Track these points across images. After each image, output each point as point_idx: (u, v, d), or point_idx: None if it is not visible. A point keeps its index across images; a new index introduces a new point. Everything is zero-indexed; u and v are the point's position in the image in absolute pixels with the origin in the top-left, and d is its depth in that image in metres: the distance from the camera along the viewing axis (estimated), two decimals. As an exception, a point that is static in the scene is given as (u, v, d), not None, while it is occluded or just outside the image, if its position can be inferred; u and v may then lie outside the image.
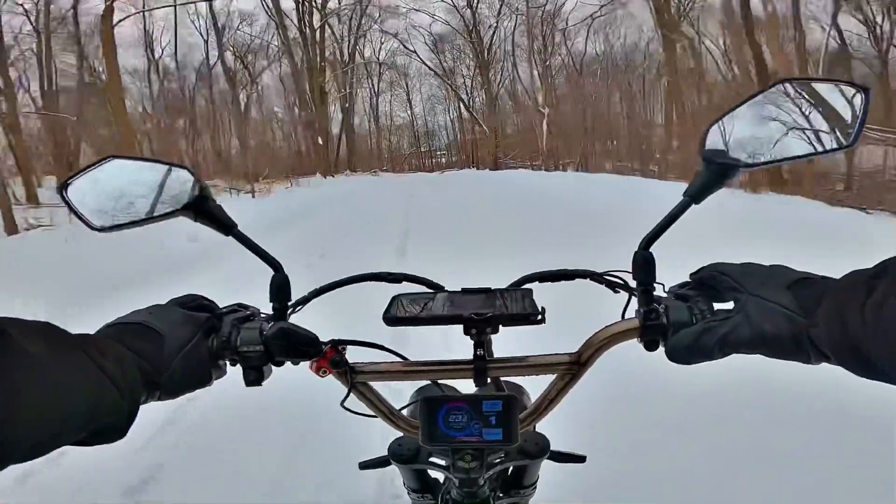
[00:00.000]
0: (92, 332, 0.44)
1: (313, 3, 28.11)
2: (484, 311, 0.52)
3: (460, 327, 0.52)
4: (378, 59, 33.88)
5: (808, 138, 0.48)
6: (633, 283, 0.53)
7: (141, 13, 19.31)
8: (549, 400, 0.55)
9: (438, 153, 37.97)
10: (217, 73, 26.47)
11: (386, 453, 0.64)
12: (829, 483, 1.54)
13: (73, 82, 18.54)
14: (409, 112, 37.17)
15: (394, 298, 0.58)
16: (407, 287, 0.64)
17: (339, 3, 29.88)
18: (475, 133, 32.38)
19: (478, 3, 30.28)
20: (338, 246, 6.25)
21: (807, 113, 0.48)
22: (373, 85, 35.46)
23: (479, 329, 0.52)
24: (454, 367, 0.54)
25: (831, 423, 1.80)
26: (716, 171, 0.49)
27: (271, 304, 0.56)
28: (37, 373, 0.33)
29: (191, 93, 25.85)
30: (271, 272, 0.56)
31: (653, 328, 0.49)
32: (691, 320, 0.47)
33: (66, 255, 5.42)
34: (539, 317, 0.51)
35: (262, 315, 0.56)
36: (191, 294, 0.53)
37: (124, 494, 1.73)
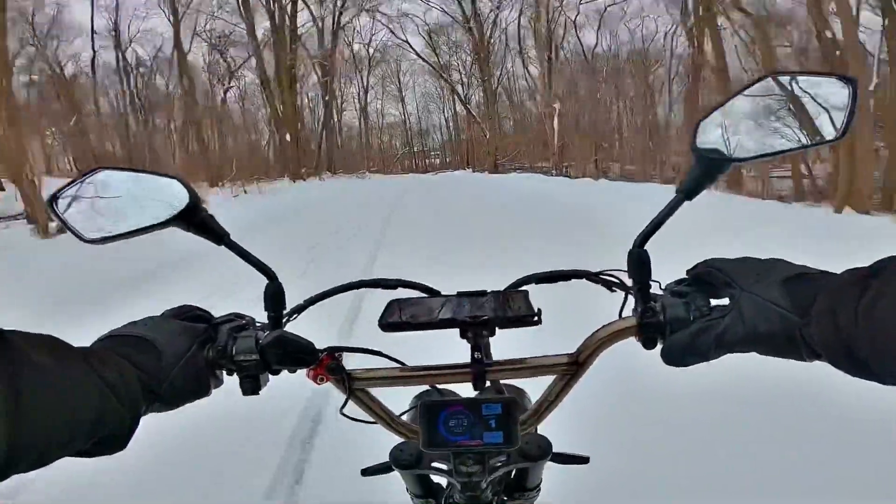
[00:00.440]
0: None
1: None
2: (479, 314, 0.52)
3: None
4: (365, 43, 30.49)
5: (798, 131, 0.48)
6: (629, 282, 0.53)
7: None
8: (550, 401, 0.55)
9: (432, 153, 36.84)
10: (189, 64, 23.09)
11: (388, 459, 0.63)
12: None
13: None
14: (401, 110, 35.42)
15: (389, 304, 0.57)
16: (403, 293, 0.63)
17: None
18: (471, 129, 30.39)
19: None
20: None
21: (796, 106, 0.48)
22: (362, 80, 33.24)
23: (476, 332, 0.52)
24: (452, 372, 0.54)
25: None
26: (707, 167, 0.49)
27: (266, 313, 0.56)
28: (42, 382, 0.33)
29: (145, 82, 23.08)
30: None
31: (650, 326, 0.48)
32: (688, 317, 0.46)
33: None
34: (535, 318, 0.51)
35: (258, 324, 0.56)
36: (185, 305, 0.53)
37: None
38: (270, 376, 0.53)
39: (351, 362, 0.56)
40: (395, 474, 0.63)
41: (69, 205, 0.51)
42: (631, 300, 0.52)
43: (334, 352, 0.54)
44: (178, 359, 0.46)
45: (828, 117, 0.47)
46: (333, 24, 28.11)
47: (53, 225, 7.78)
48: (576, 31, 24.33)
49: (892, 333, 0.32)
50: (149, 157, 18.90)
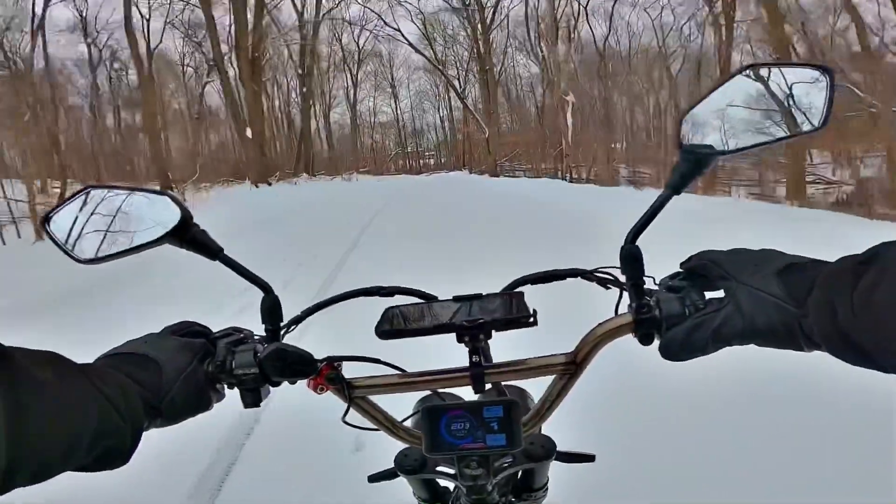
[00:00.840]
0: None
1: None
2: (475, 318, 0.52)
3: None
4: (355, 32, 26.64)
5: (779, 123, 0.49)
6: (623, 279, 0.53)
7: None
8: (551, 401, 0.55)
9: (427, 154, 35.28)
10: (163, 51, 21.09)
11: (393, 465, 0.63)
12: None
13: None
14: (394, 107, 33.20)
15: (386, 311, 0.57)
16: (400, 300, 0.64)
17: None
18: (468, 126, 27.82)
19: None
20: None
21: (775, 98, 0.49)
22: (350, 74, 30.78)
23: (472, 336, 0.52)
24: (451, 376, 0.54)
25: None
26: (693, 161, 0.49)
27: (263, 326, 0.56)
28: (44, 398, 0.34)
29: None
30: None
31: (645, 322, 0.48)
32: (683, 311, 0.47)
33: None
34: (531, 319, 0.51)
35: (256, 337, 0.56)
36: (184, 321, 0.53)
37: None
38: (271, 388, 0.53)
39: (352, 371, 0.56)
40: (402, 480, 0.63)
41: (62, 226, 0.51)
42: (626, 297, 0.53)
43: (333, 361, 0.54)
44: (178, 374, 0.46)
45: (808, 108, 0.48)
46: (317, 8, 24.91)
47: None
48: (587, 18, 21.93)
49: (890, 321, 0.32)
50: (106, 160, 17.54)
